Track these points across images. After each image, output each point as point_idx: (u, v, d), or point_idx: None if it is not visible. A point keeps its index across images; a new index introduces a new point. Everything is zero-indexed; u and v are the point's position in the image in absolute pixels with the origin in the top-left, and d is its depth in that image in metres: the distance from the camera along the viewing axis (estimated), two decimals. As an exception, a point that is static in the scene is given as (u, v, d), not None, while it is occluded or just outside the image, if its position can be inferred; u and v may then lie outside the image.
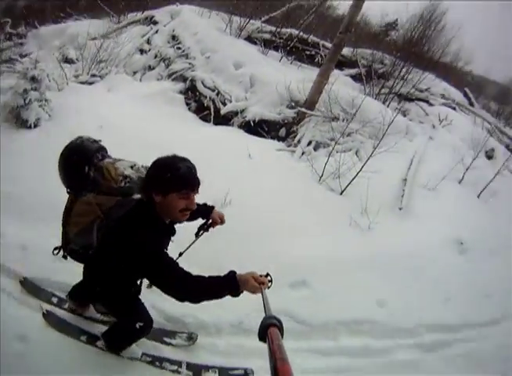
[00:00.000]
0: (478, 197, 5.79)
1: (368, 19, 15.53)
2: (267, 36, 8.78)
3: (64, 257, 1.66)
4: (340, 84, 6.57)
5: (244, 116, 5.70)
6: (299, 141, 5.13)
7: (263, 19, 9.10)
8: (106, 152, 1.64)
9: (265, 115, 5.60)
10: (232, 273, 1.33)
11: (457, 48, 15.10)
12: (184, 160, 1.35)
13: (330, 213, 3.91)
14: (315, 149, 5.06)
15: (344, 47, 6.21)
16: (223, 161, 4.20)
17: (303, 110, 5.48)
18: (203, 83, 6.15)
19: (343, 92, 5.74)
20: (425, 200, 4.86)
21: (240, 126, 5.68)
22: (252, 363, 2.08)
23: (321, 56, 8.55)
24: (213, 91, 6.08)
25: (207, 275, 1.34)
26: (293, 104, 5.68)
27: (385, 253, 3.52)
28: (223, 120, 5.83)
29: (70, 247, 1.57)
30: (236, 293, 1.32)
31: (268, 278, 1.40)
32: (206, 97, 6.01)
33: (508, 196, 6.94)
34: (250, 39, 8.54)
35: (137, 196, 1.40)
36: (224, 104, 5.95)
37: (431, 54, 10.28)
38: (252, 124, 5.57)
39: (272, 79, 6.11)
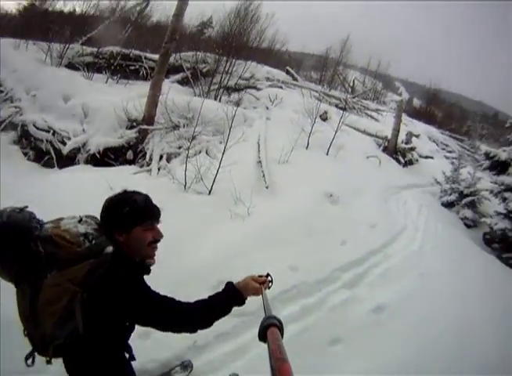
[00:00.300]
0: (327, 154, 6.68)
1: (185, 21, 16.18)
2: (89, 58, 8.34)
3: (48, 362, 1.24)
4: (172, 91, 6.83)
5: (88, 150, 5.39)
6: (150, 158, 5.13)
7: (81, 41, 8.61)
8: (35, 217, 1.27)
9: (108, 143, 5.40)
10: (230, 284, 1.30)
11: (273, 34, 17.42)
12: (137, 192, 1.26)
13: (208, 213, 3.91)
14: (168, 160, 5.14)
15: (170, 56, 6.30)
16: (87, 203, 3.86)
17: (143, 127, 5.48)
18: (35, 126, 5.51)
19: (177, 99, 5.95)
20: (283, 172, 5.25)
21: (87, 161, 5.35)
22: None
23: (145, 68, 8.61)
24: (48, 132, 5.51)
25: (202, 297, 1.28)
26: (133, 124, 5.63)
27: (271, 226, 3.77)
28: (68, 160, 5.37)
29: (52, 346, 1.18)
30: (241, 301, 1.28)
31: (269, 278, 1.37)
32: (42, 141, 5.42)
33: (353, 145, 8.23)
34: (72, 65, 7.98)
35: (109, 249, 1.21)
36: (63, 143, 5.46)
37: (251, 44, 11.51)
38: (98, 155, 5.32)
39: (104, 104, 5.90)
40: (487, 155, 7.94)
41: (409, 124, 17.25)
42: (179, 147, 5.27)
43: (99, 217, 1.23)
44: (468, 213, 7.73)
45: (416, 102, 33.65)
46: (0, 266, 1.16)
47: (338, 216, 4.58)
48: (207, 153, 5.39)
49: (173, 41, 5.74)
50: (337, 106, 11.93)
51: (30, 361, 1.23)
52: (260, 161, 5.27)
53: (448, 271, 4.21)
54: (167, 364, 2.24)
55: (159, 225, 1.28)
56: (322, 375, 2.32)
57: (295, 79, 11.75)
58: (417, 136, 13.54)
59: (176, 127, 5.65)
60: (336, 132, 7.07)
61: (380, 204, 5.85)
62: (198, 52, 9.11)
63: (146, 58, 8.81)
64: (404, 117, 19.60)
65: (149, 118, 5.65)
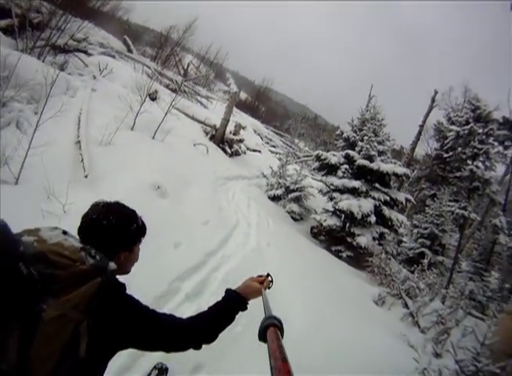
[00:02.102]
0: (153, 138, 6.45)
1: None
2: None
3: None
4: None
5: None
6: None
7: None
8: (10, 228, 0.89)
9: None
10: (229, 290, 1.24)
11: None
12: (125, 205, 1.15)
13: (13, 213, 2.60)
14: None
15: None
16: None
17: None
18: None
19: None
20: (106, 156, 4.74)
21: None
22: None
23: None
24: None
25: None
26: None
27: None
28: None
29: None
30: (243, 305, 1.22)
31: (269, 278, 1.34)
32: None
33: (181, 130, 7.99)
34: None
35: (112, 265, 0.99)
36: None
37: (93, 3, 10.07)
38: None
39: None
40: (318, 157, 8.43)
41: (237, 115, 18.03)
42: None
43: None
44: (295, 207, 8.38)
45: (243, 95, 37.37)
46: None
47: (168, 212, 4.26)
48: (17, 126, 4.79)
49: None
50: (167, 86, 11.84)
51: None
52: (79, 142, 4.81)
53: (290, 267, 4.49)
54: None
55: None
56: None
57: (130, 51, 11.33)
58: (244, 128, 14.18)
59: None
60: (166, 115, 6.85)
61: (210, 196, 5.88)
62: None
63: None
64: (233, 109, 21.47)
65: None
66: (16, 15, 7.35)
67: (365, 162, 7.69)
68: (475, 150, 11.88)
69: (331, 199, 7.90)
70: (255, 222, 5.81)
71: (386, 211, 7.72)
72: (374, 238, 7.65)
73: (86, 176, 4.12)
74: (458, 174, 12.40)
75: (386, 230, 7.84)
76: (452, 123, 13.18)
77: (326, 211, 8.08)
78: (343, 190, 7.78)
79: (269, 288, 1.32)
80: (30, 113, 5.13)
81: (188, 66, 17.92)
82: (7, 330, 0.77)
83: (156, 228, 3.18)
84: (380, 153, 8.21)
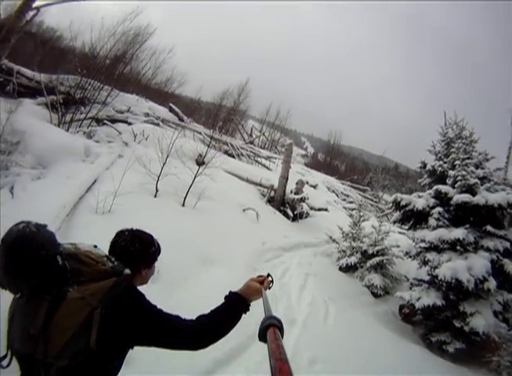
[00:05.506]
0: (183, 205, 6.00)
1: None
2: None
3: None
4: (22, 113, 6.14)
5: None
6: None
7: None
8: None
9: None
10: (230, 292, 1.32)
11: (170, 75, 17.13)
12: (144, 231, 1.42)
13: None
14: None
15: (1, 59, 5.77)
16: None
17: None
18: None
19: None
20: (94, 227, 4.27)
21: None
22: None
23: (13, 83, 7.75)
24: None
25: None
26: None
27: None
28: None
29: (56, 367, 1.08)
30: (244, 306, 1.29)
31: (269, 279, 1.38)
32: None
33: (228, 195, 7.35)
34: None
35: (127, 270, 1.23)
36: None
37: (140, 77, 11.32)
38: None
39: None
40: (397, 204, 5.82)
41: (306, 174, 16.89)
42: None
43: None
44: (376, 278, 6.00)
45: (321, 156, 37.32)
46: (21, 277, 1.07)
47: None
48: (11, 191, 4.68)
49: (7, 43, 5.32)
50: (226, 152, 11.88)
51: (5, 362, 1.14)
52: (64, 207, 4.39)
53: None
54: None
55: None
56: None
57: (181, 119, 11.64)
58: (315, 187, 13.25)
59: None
60: (195, 176, 6.42)
61: (241, 278, 4.07)
62: (78, 76, 8.47)
63: (19, 73, 7.97)
64: (301, 166, 20.81)
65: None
66: (61, 92, 7.92)
67: (466, 197, 5.11)
68: None
69: (425, 263, 5.31)
70: (303, 317, 4.07)
71: (509, 265, 4.80)
72: (496, 313, 4.72)
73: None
74: None
75: (513, 296, 4.78)
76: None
77: (419, 282, 5.46)
78: (441, 247, 5.16)
79: (269, 288, 1.35)
80: (27, 178, 5.00)
81: (251, 130, 18.08)
82: (40, 301, 1.07)
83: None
84: (482, 179, 5.54)
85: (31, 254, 1.04)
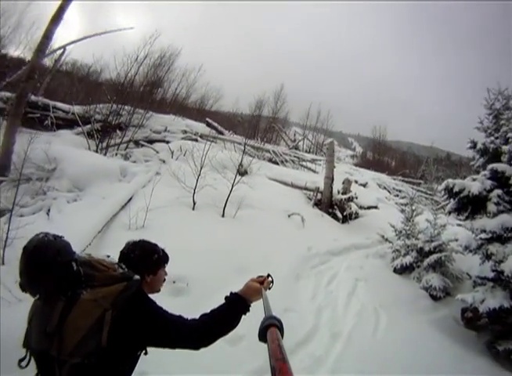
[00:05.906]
0: (223, 215, 5.87)
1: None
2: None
3: None
4: (60, 142, 6.48)
5: None
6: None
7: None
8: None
9: None
10: (231, 293, 1.36)
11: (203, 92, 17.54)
12: (150, 242, 1.52)
13: None
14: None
15: (27, 97, 5.81)
16: None
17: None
18: None
19: (40, 149, 5.32)
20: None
21: None
22: None
23: (51, 117, 8.24)
24: None
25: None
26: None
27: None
28: None
29: (70, 364, 1.15)
30: (244, 307, 1.32)
31: (269, 279, 1.40)
32: None
33: (271, 201, 7.23)
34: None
35: (137, 276, 1.30)
36: None
37: (174, 98, 11.58)
38: None
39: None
40: (449, 191, 4.99)
41: (355, 173, 16.29)
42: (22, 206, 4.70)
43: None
44: (435, 279, 5.27)
45: (370, 154, 35.56)
46: (39, 280, 1.18)
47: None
48: (47, 213, 4.79)
49: (30, 81, 5.41)
50: (270, 160, 11.93)
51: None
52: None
53: None
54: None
55: None
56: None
57: (220, 132, 11.66)
58: (365, 185, 12.92)
59: (29, 179, 5.15)
60: (233, 186, 6.27)
61: (283, 287, 4.24)
62: (112, 104, 8.83)
63: (55, 107, 8.57)
64: (349, 166, 19.79)
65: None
66: (97, 120, 8.24)
67: (530, 173, 4.13)
68: None
69: (487, 257, 4.42)
70: (348, 329, 3.59)
71: None
72: None
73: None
74: None
75: None
76: None
77: (482, 280, 4.51)
78: (505, 237, 4.34)
79: (270, 289, 1.36)
80: (63, 201, 5.08)
81: (294, 135, 17.66)
82: (56, 301, 1.16)
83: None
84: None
85: (48, 260, 1.16)
